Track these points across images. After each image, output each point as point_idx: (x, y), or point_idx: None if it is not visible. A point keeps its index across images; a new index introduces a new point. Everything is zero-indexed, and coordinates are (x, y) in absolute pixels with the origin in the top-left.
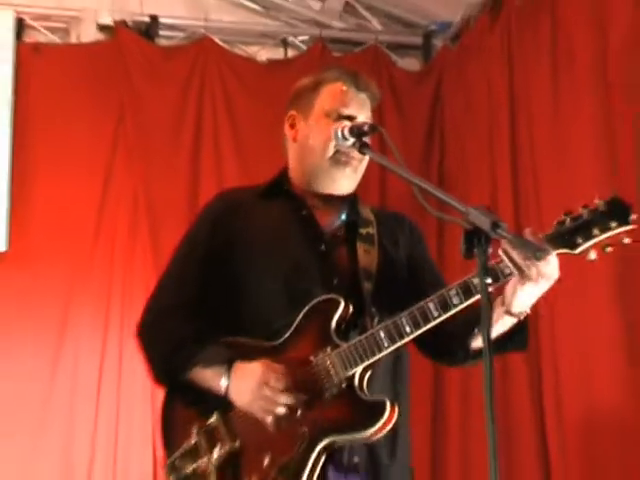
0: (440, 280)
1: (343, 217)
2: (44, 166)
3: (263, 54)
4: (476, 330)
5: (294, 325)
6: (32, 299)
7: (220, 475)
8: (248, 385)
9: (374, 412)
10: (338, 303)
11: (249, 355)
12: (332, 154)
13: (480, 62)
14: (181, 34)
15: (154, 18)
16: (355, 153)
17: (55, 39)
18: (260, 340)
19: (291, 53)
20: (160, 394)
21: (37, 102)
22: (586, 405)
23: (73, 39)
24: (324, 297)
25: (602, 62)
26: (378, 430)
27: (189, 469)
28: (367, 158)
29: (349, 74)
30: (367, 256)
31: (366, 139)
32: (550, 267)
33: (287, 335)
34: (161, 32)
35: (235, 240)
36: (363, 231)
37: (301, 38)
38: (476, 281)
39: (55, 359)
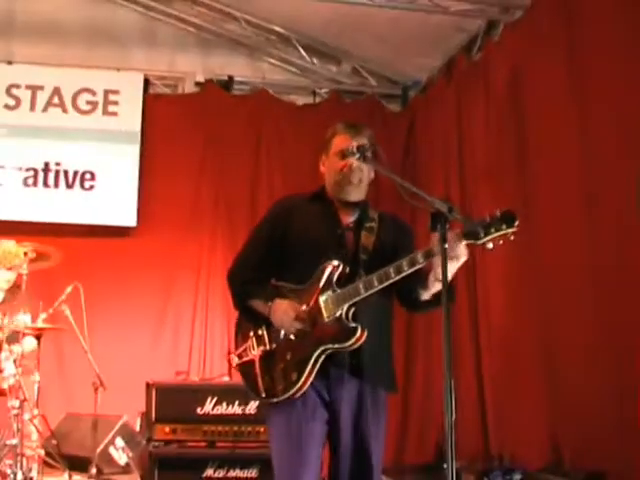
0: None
1: (356, 215)
2: (160, 170)
3: (299, 100)
4: (420, 289)
5: (313, 277)
6: (153, 262)
7: (261, 363)
8: (278, 313)
9: (351, 332)
10: (339, 265)
11: (284, 294)
12: (341, 176)
13: (439, 107)
14: (247, 87)
15: (230, 77)
16: (354, 175)
17: (168, 91)
18: (294, 284)
19: (317, 99)
20: (232, 318)
21: (156, 131)
22: (507, 325)
23: (179, 91)
24: (330, 261)
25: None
26: (353, 343)
27: (245, 358)
28: (366, 175)
29: (348, 126)
30: (367, 240)
31: (367, 154)
32: (462, 250)
33: (308, 283)
34: (235, 86)
35: (288, 230)
36: (367, 225)
37: (324, 90)
38: (435, 248)
39: (166, 299)
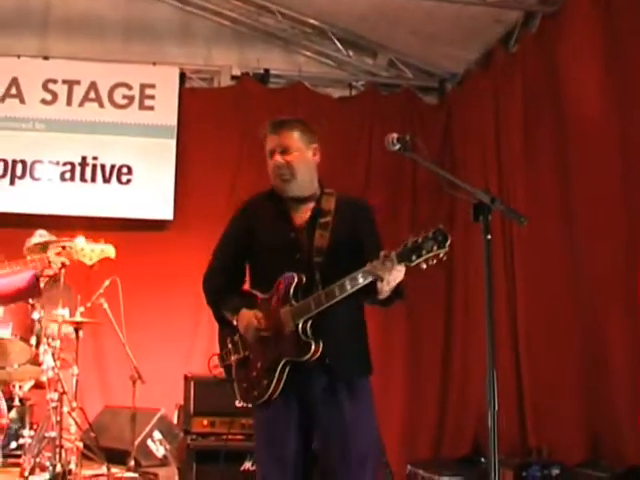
0: (375, 251)
1: (310, 212)
2: (197, 164)
3: (335, 93)
4: (374, 294)
5: (273, 288)
6: (190, 255)
7: (237, 370)
8: (242, 324)
9: (307, 348)
10: (293, 278)
11: (252, 304)
12: (273, 175)
13: (477, 99)
14: (283, 80)
15: (266, 70)
16: (281, 173)
17: (204, 85)
18: (262, 290)
19: (354, 92)
20: None
21: (192, 124)
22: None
23: (215, 85)
24: (287, 274)
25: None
26: (309, 358)
27: (226, 362)
28: (300, 168)
29: (272, 125)
30: (321, 239)
31: (407, 145)
32: (396, 273)
33: (270, 293)
34: (270, 79)
35: (250, 233)
36: (322, 221)
37: (360, 82)
38: (372, 271)
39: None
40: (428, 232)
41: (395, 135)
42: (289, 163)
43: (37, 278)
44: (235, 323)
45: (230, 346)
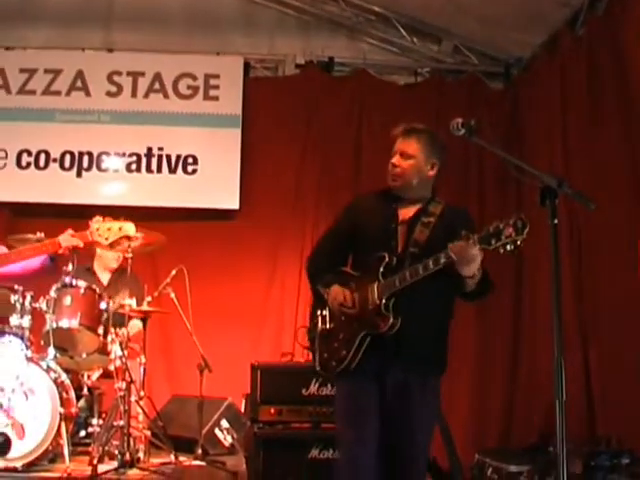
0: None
1: (416, 211)
2: (262, 153)
3: (401, 80)
4: (461, 284)
5: (368, 267)
6: (257, 244)
7: (321, 340)
8: (331, 298)
9: (385, 321)
10: (384, 257)
11: (346, 281)
12: (387, 175)
13: (543, 84)
14: (347, 68)
15: (331, 58)
16: (393, 175)
17: (268, 74)
18: (358, 272)
19: (419, 79)
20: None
21: (257, 114)
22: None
23: (280, 74)
24: (380, 254)
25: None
26: (387, 331)
27: (313, 333)
28: (413, 173)
29: (404, 131)
30: (421, 234)
31: (473, 130)
32: (475, 254)
33: (366, 272)
34: (335, 67)
35: (355, 226)
36: (425, 220)
37: (425, 69)
38: (443, 255)
39: (270, 281)
40: (510, 219)
41: (460, 120)
42: (402, 168)
43: (51, 259)
44: (326, 296)
45: (319, 319)
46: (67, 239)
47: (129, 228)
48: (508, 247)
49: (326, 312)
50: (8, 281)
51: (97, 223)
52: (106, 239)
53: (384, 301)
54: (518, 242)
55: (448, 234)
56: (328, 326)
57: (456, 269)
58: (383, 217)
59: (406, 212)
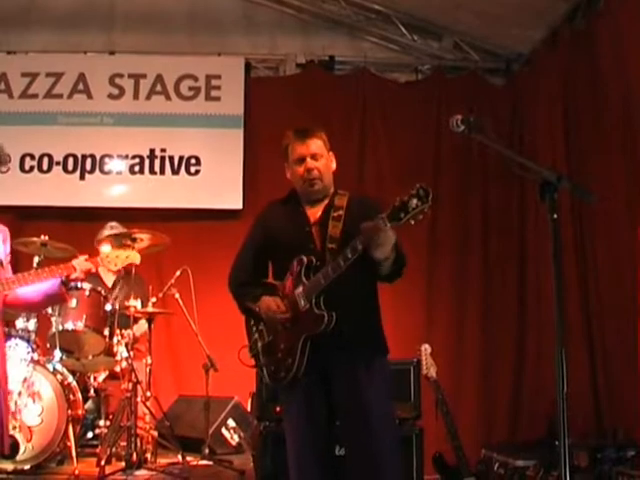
0: None
1: (324, 208)
2: (265, 152)
3: (402, 77)
4: (378, 266)
5: (288, 273)
6: None
7: (264, 354)
8: (264, 309)
9: (321, 319)
10: (303, 259)
11: (273, 291)
12: (302, 181)
13: (544, 79)
14: (348, 67)
15: (332, 57)
16: (312, 177)
17: (269, 74)
18: (278, 280)
19: (420, 77)
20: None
21: (259, 113)
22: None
23: (281, 73)
24: (297, 257)
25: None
26: (324, 328)
27: (255, 350)
28: (324, 169)
29: (298, 133)
30: (334, 229)
31: (472, 125)
32: (388, 235)
33: (286, 279)
34: (336, 66)
35: (267, 235)
36: (335, 214)
37: (426, 67)
38: (358, 240)
39: None
40: (412, 190)
41: (459, 116)
42: (318, 170)
43: (64, 284)
44: (257, 310)
45: (256, 335)
46: (82, 263)
47: (134, 257)
48: (419, 217)
49: (262, 327)
50: (25, 309)
51: (107, 250)
52: (115, 265)
53: (314, 300)
54: (425, 210)
55: (361, 220)
56: (267, 340)
57: (370, 254)
58: (294, 222)
59: (315, 211)
